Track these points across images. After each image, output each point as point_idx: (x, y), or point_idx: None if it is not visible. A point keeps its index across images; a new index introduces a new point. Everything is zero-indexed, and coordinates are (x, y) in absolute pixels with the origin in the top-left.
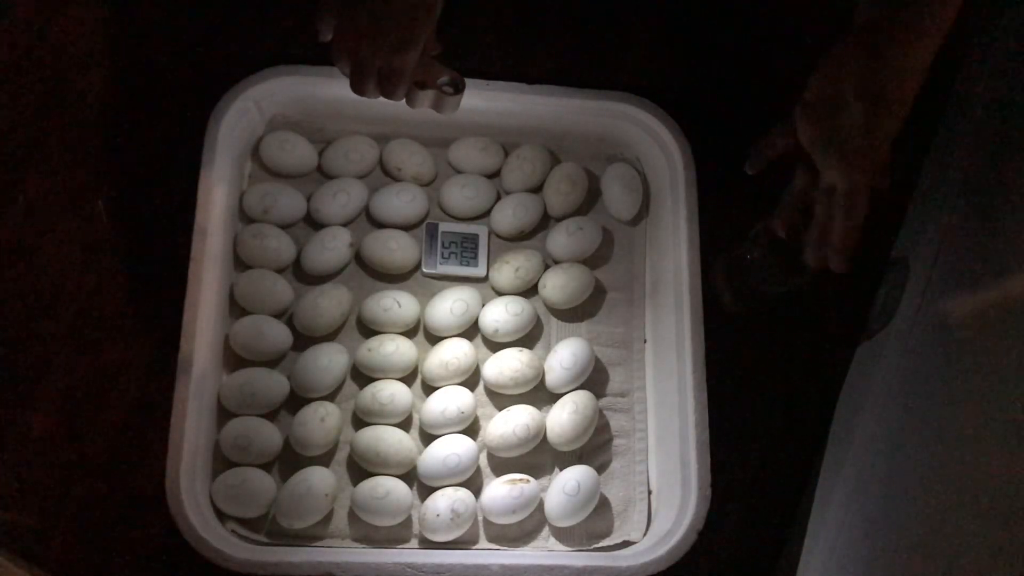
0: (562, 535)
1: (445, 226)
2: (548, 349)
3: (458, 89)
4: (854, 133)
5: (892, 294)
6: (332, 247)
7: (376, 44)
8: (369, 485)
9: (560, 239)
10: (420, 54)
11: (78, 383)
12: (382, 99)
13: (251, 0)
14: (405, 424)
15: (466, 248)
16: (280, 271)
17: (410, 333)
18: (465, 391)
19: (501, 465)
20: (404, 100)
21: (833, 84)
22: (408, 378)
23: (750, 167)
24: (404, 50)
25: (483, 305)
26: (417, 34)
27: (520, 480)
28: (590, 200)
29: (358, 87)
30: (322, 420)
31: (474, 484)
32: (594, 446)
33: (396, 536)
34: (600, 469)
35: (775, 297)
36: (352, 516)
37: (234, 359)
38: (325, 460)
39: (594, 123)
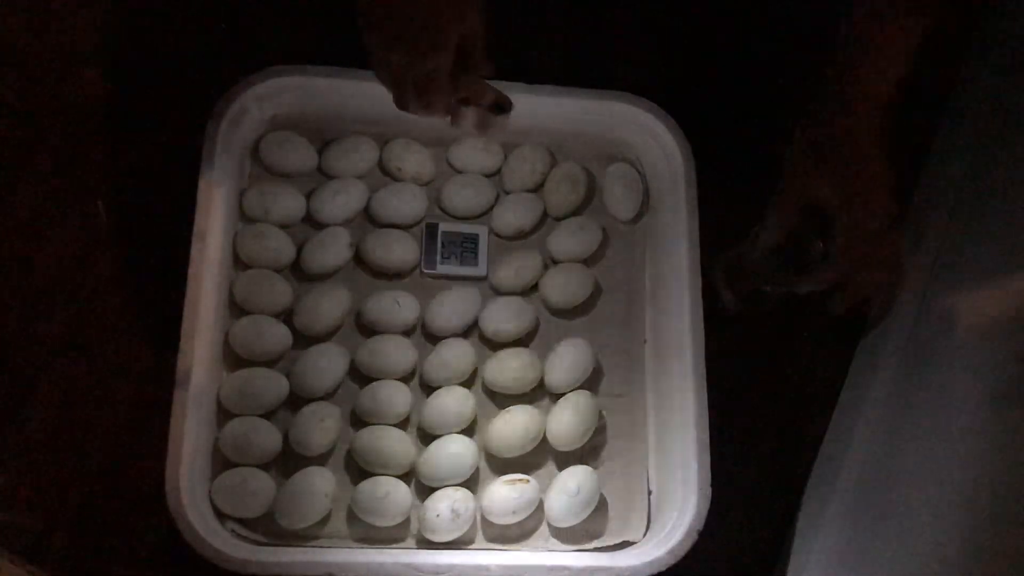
0: (562, 535)
1: (445, 226)
2: (548, 349)
3: (503, 109)
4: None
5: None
6: (332, 247)
7: (405, 49)
8: (369, 485)
9: (560, 239)
10: (454, 62)
11: (77, 383)
12: (384, 100)
13: (251, 0)
14: (405, 424)
15: (466, 248)
16: (280, 271)
17: (410, 333)
18: (465, 391)
19: (501, 465)
20: (449, 120)
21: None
22: (408, 378)
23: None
24: (433, 51)
25: (483, 305)
26: (445, 35)
27: (520, 480)
28: (590, 200)
29: (398, 98)
30: (322, 420)
31: (474, 484)
32: (594, 446)
33: (396, 536)
34: (600, 469)
35: (775, 297)
36: (351, 516)
37: (234, 359)
38: (324, 460)
39: (594, 123)
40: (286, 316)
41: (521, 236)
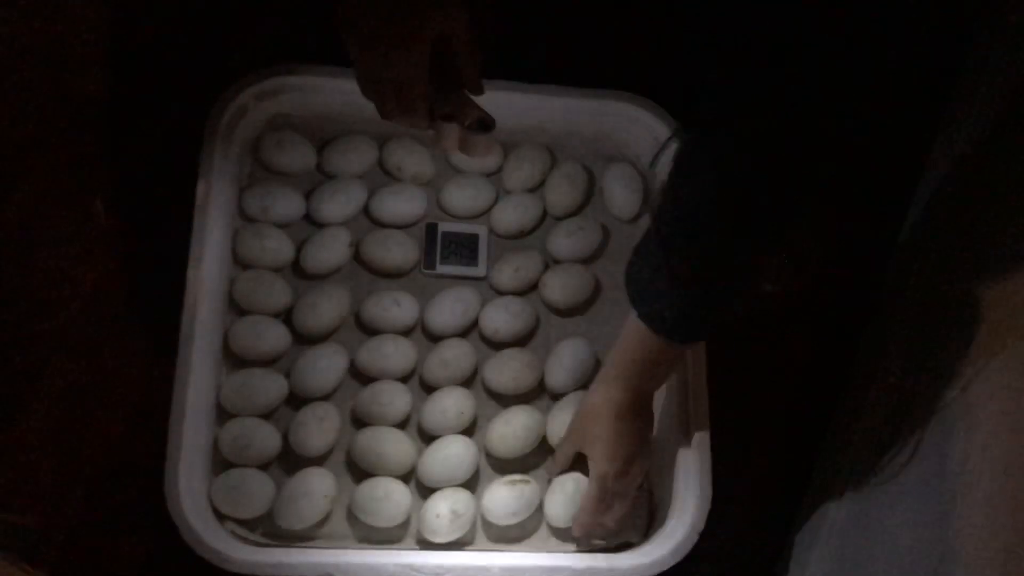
0: (562, 535)
1: (445, 226)
2: (548, 349)
3: (487, 128)
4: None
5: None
6: (331, 247)
7: (382, 48)
8: (368, 486)
9: (560, 239)
10: (440, 73)
11: (77, 384)
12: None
13: (251, 0)
14: (404, 425)
15: (466, 248)
16: (279, 271)
17: (410, 333)
18: (465, 392)
19: (501, 466)
20: (434, 137)
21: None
22: (408, 379)
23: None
24: (408, 47)
25: (483, 305)
26: (421, 29)
27: (520, 481)
28: (590, 200)
29: (379, 105)
30: (321, 421)
31: (474, 485)
32: None
33: (395, 537)
34: None
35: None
36: (351, 517)
37: (233, 359)
38: (324, 461)
39: (594, 123)
40: (286, 316)
41: (521, 236)
